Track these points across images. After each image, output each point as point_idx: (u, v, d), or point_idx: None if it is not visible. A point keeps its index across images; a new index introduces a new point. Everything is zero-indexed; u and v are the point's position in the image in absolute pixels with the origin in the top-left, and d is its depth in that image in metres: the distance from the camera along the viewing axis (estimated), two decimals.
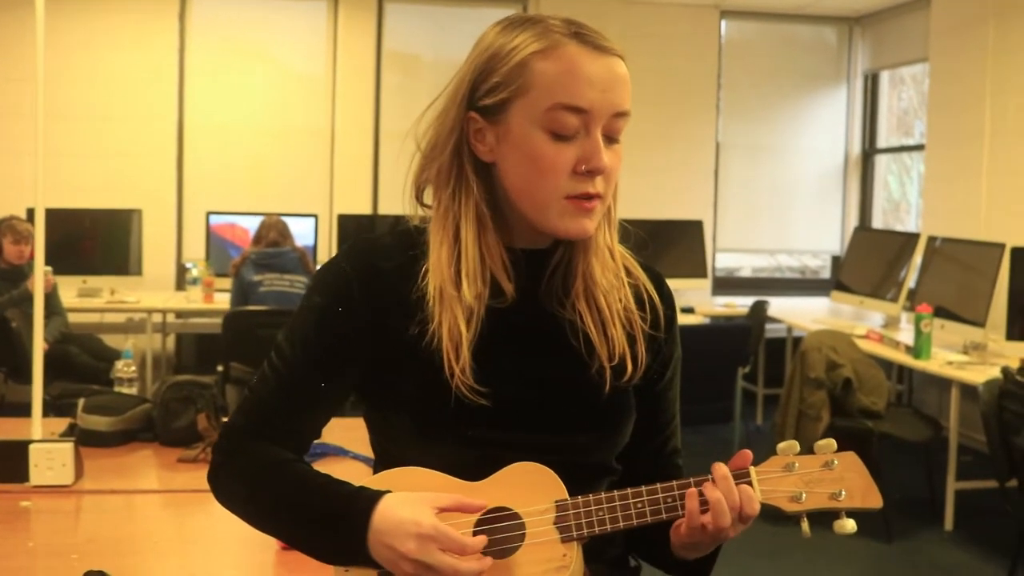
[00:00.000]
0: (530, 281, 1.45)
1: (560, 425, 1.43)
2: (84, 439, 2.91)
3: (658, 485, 1.38)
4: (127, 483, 2.76)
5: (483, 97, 1.39)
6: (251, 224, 6.86)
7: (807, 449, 1.45)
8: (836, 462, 1.43)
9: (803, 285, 8.99)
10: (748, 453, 1.42)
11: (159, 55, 7.64)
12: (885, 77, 8.74)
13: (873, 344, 5.92)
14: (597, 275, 1.45)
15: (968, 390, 5.24)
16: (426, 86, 8.00)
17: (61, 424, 3.11)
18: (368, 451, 2.95)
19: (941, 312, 5.75)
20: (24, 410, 3.03)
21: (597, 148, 1.36)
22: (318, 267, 6.74)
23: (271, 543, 2.11)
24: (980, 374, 4.88)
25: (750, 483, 1.39)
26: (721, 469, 1.37)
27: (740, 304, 7.49)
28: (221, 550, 2.32)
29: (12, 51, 7.09)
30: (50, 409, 5.06)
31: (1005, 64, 6.60)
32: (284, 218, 6.55)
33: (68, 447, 2.64)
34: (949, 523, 5.23)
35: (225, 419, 3.11)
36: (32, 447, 2.62)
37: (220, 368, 6.02)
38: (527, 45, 1.36)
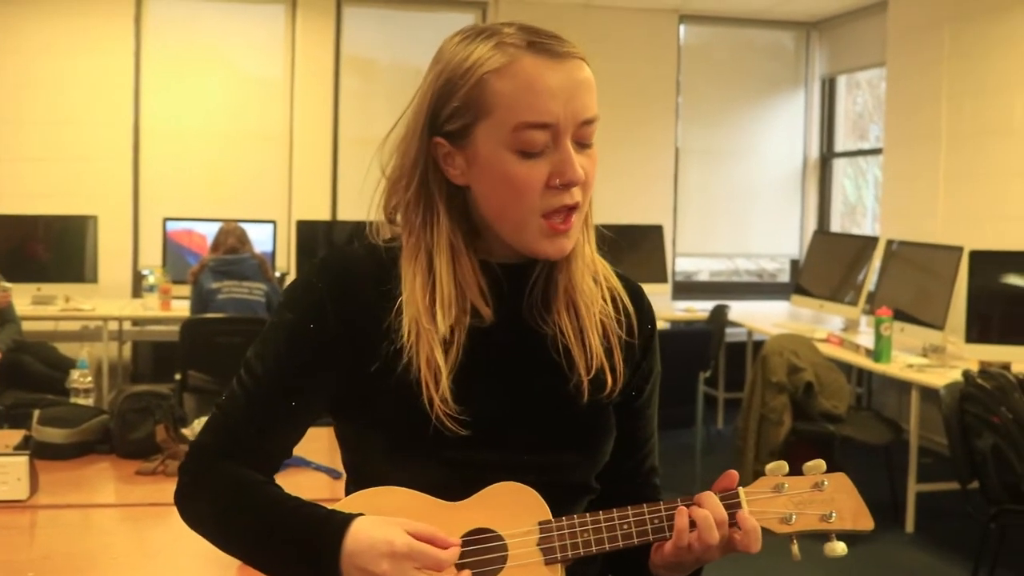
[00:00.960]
0: (512, 297, 1.41)
1: (541, 445, 1.40)
2: (39, 452, 2.85)
3: (644, 506, 1.36)
4: (84, 497, 2.71)
5: (446, 122, 1.35)
6: (209, 230, 6.79)
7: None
8: (826, 483, 1.40)
9: (762, 289, 9.03)
10: (734, 474, 1.40)
11: (114, 59, 7.54)
12: (842, 81, 8.80)
13: (834, 348, 5.94)
14: (577, 281, 1.42)
15: (928, 393, 5.27)
16: (385, 91, 7.98)
17: (14, 436, 3.05)
18: (330, 462, 2.92)
19: (900, 315, 5.78)
20: None
21: (569, 160, 1.32)
22: (277, 273, 6.71)
23: (233, 559, 2.07)
24: (940, 377, 4.91)
25: (739, 504, 1.37)
26: (708, 495, 1.36)
27: (700, 308, 7.50)
28: (182, 565, 2.27)
29: None
30: (3, 419, 4.98)
31: (961, 67, 6.66)
32: (242, 224, 6.48)
33: (23, 461, 2.58)
34: (910, 525, 5.26)
35: (184, 430, 3.07)
36: None
37: (178, 376, 5.95)
38: (482, 64, 1.31)
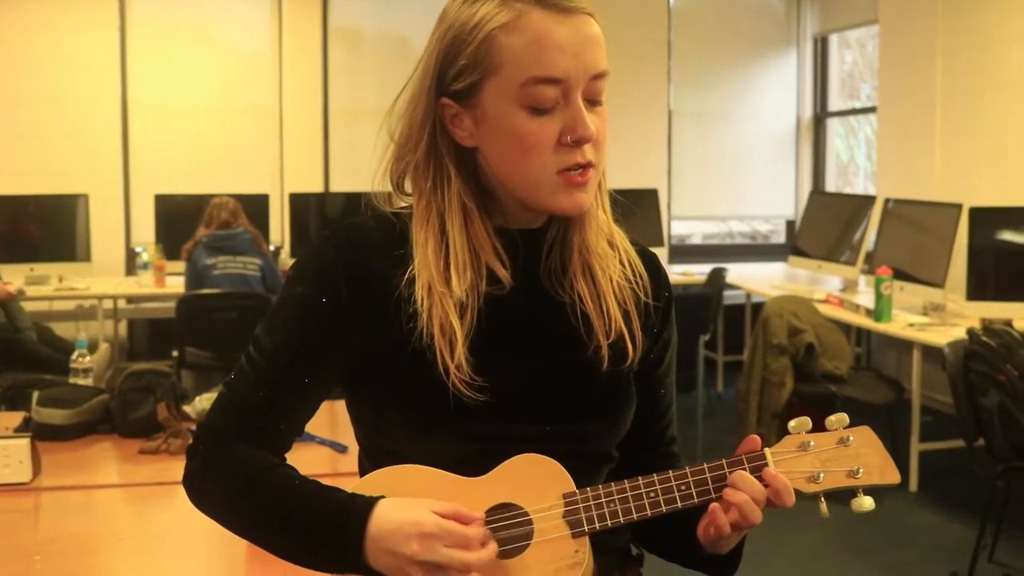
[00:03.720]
0: (529, 263, 1.38)
1: (562, 414, 1.37)
2: (39, 433, 2.82)
3: (671, 473, 1.33)
4: (87, 478, 2.68)
5: (452, 81, 1.32)
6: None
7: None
8: (852, 438, 1.39)
9: (757, 251, 9.00)
10: (756, 438, 1.38)
11: (99, 36, 7.44)
12: (834, 40, 8.74)
13: (833, 308, 5.92)
14: (591, 243, 1.39)
15: (928, 351, 5.25)
16: (373, 61, 7.89)
17: (14, 418, 3.02)
18: (332, 435, 2.89)
19: (899, 274, 5.75)
20: None
21: (580, 116, 1.29)
22: (271, 247, 6.64)
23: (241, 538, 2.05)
24: (942, 335, 4.89)
25: (766, 465, 1.35)
26: (740, 475, 1.33)
27: (697, 272, 7.46)
28: (190, 545, 2.25)
29: None
30: (1, 401, 4.94)
31: (955, 23, 6.61)
32: (234, 198, 6.42)
33: (24, 443, 2.55)
34: (914, 484, 5.26)
35: (186, 407, 3.04)
36: None
37: (175, 353, 5.92)
38: (489, 20, 1.29)
